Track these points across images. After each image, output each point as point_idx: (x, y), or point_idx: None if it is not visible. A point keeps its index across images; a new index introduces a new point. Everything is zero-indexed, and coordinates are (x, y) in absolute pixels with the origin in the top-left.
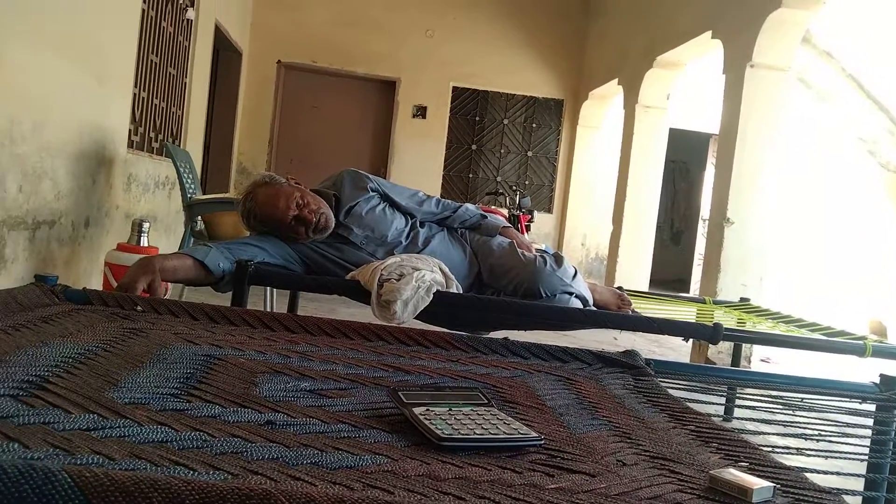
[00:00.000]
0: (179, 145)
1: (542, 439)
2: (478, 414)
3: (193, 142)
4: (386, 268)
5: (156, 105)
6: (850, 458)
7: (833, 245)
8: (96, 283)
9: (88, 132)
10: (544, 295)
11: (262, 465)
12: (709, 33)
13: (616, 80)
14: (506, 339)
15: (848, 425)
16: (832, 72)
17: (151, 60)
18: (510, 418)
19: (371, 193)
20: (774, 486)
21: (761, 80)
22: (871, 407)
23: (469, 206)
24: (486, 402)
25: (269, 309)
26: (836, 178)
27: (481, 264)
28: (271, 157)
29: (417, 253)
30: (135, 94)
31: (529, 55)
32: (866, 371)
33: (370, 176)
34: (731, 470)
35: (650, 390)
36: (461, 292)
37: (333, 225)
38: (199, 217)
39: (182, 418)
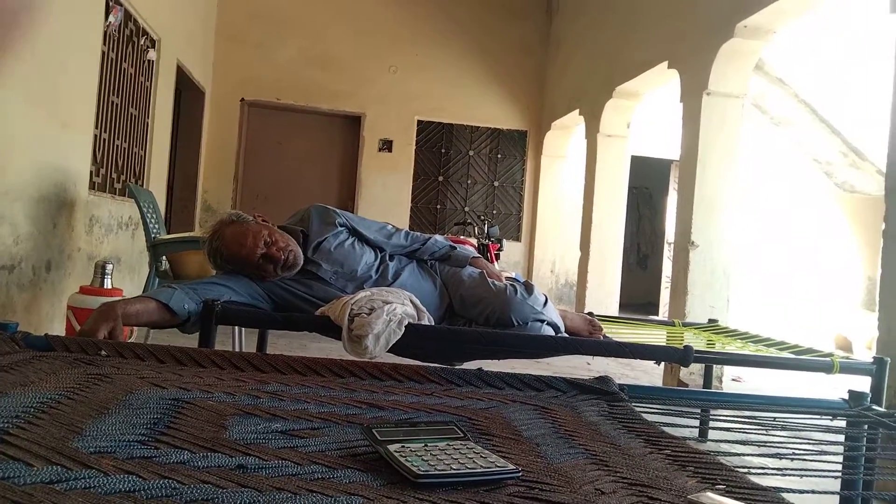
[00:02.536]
0: (142, 185)
1: (519, 471)
2: (454, 448)
3: (157, 181)
4: (356, 302)
5: (117, 146)
6: (824, 476)
7: (796, 264)
8: (59, 328)
9: (49, 174)
10: (516, 323)
11: None
12: (665, 63)
13: (577, 111)
14: (479, 369)
15: (821, 442)
16: (786, 98)
17: (112, 101)
18: (487, 451)
19: (339, 228)
20: None
21: (718, 107)
22: (842, 423)
23: (438, 237)
24: (462, 435)
25: (237, 348)
26: (795, 199)
27: (452, 295)
28: (237, 194)
29: (388, 286)
30: (96, 135)
31: (492, 88)
32: (834, 386)
33: (338, 210)
34: (709, 493)
35: (625, 416)
36: (433, 324)
37: (302, 262)
38: (164, 257)
39: (150, 466)
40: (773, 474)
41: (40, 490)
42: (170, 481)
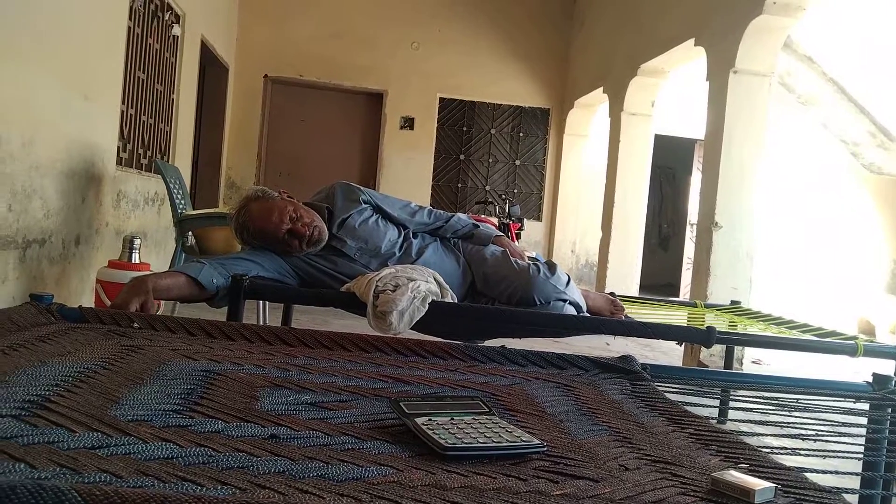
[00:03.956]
0: (168, 161)
1: (544, 446)
2: (480, 422)
3: (182, 157)
4: (381, 279)
5: (144, 121)
6: (846, 458)
7: (820, 246)
8: (88, 301)
9: (77, 150)
10: (538, 302)
11: (270, 479)
12: (692, 41)
13: (601, 89)
14: (503, 347)
15: (843, 425)
16: (813, 76)
17: (138, 77)
18: (512, 426)
19: (363, 205)
20: (776, 487)
21: (744, 85)
22: (865, 406)
23: (461, 215)
24: (488, 410)
25: (262, 322)
26: (821, 179)
27: (475, 273)
28: (260, 171)
29: (411, 263)
30: (122, 111)
31: (515, 65)
32: (856, 370)
33: (362, 188)
34: (732, 472)
35: (648, 395)
36: (456, 302)
37: (327, 237)
38: (191, 232)
39: (186, 434)
40: (793, 455)
41: (84, 455)
42: (206, 449)
